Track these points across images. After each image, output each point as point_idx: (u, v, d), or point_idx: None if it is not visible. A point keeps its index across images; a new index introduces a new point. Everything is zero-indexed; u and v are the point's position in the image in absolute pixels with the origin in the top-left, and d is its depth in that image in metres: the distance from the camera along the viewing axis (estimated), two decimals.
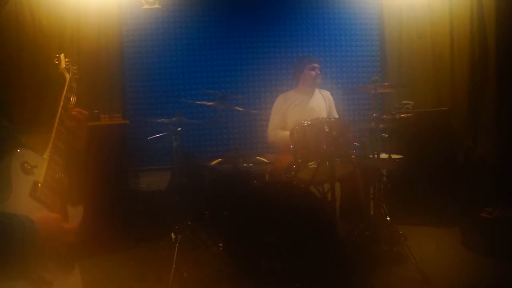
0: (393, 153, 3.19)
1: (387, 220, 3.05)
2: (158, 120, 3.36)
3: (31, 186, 1.23)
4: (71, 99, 1.55)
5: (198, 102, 3.44)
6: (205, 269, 2.94)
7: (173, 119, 3.18)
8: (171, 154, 3.30)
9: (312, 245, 2.49)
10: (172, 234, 3.03)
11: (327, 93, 3.69)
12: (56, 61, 1.73)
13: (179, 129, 3.20)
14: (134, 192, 3.97)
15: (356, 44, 4.49)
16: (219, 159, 3.33)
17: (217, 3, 4.29)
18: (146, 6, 4.17)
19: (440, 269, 2.82)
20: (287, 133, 3.47)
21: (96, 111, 3.70)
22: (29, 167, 1.24)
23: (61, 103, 1.48)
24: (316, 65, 3.55)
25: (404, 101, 3.96)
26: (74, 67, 1.71)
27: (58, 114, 1.45)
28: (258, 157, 3.38)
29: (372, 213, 3.13)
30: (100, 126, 3.59)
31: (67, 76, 1.65)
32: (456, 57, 4.13)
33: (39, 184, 1.25)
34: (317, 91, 3.64)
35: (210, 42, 4.29)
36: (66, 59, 1.73)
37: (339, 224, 3.00)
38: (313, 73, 3.53)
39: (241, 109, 3.54)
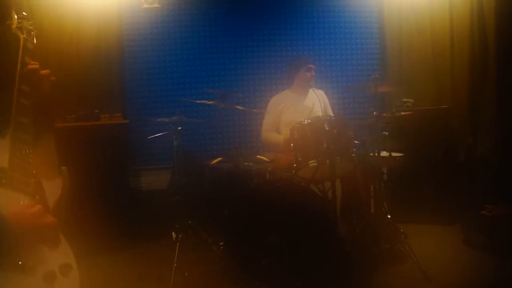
0: (393, 151, 3.19)
1: (387, 218, 3.06)
2: (158, 119, 3.36)
3: None
4: (29, 62, 1.34)
5: (198, 101, 3.43)
6: (206, 268, 2.94)
7: (173, 118, 3.18)
8: (171, 153, 3.30)
9: (312, 244, 2.49)
10: (173, 233, 3.03)
11: (321, 92, 3.65)
12: (8, 21, 1.42)
13: (179, 128, 3.20)
14: (135, 191, 3.98)
15: (356, 42, 4.49)
16: (220, 158, 3.32)
17: (216, 2, 4.29)
18: (145, 5, 4.17)
19: (441, 267, 2.82)
20: (279, 136, 3.48)
21: (96, 110, 3.71)
22: None
23: (18, 69, 1.31)
24: (312, 66, 3.55)
25: (404, 99, 3.96)
26: (29, 22, 1.43)
27: (17, 84, 1.29)
28: (258, 156, 3.37)
29: (372, 211, 3.12)
30: (100, 125, 3.61)
31: (21, 36, 1.40)
32: (456, 54, 4.12)
33: (5, 169, 1.18)
34: (310, 90, 3.60)
35: (210, 41, 4.29)
36: (19, 15, 1.42)
37: (340, 222, 3.00)
38: (308, 74, 3.53)
39: (241, 108, 3.53)
